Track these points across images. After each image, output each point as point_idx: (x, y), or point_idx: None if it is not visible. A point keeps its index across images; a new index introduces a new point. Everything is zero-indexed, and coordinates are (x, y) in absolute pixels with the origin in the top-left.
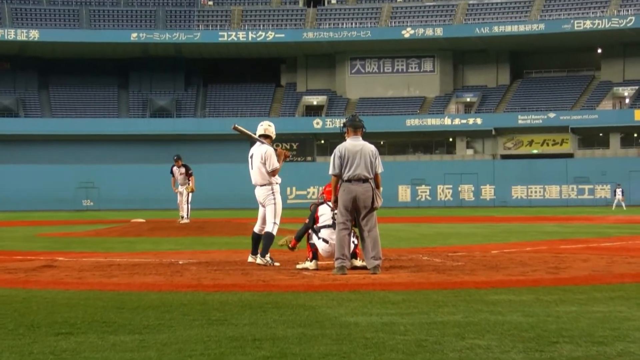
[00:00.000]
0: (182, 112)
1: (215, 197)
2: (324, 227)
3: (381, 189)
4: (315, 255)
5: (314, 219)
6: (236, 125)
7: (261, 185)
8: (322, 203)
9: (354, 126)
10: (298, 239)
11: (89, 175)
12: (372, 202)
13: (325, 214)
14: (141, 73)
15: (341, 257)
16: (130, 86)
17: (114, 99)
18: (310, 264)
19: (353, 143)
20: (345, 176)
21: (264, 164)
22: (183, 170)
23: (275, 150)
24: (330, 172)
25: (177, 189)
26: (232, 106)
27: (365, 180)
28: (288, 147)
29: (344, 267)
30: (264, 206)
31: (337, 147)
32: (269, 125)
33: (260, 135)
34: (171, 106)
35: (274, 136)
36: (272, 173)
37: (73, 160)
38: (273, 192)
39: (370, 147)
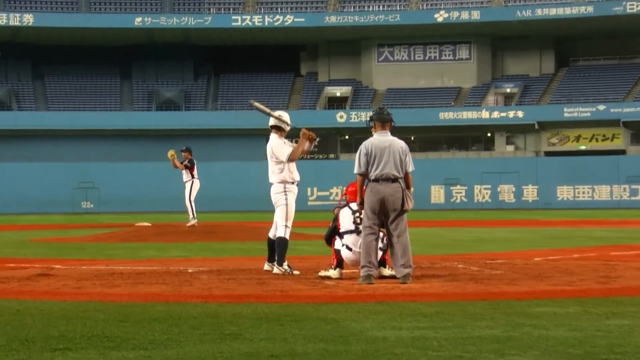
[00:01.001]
0: (191, 105)
1: (227, 199)
2: (347, 232)
3: (412, 189)
4: (340, 262)
5: (335, 223)
6: (254, 102)
7: (274, 184)
8: (345, 205)
9: (382, 120)
10: (327, 241)
11: (88, 175)
12: (402, 204)
13: (346, 218)
14: (146, 62)
15: (367, 265)
16: (133, 76)
17: (116, 90)
18: (333, 272)
19: (380, 138)
20: (372, 175)
21: (274, 158)
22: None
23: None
24: (355, 170)
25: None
26: (246, 98)
27: (395, 179)
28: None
29: (370, 275)
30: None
31: (363, 143)
32: (280, 116)
33: (271, 127)
34: (179, 98)
35: (285, 126)
36: (290, 159)
37: (71, 157)
38: (285, 192)
39: (400, 143)
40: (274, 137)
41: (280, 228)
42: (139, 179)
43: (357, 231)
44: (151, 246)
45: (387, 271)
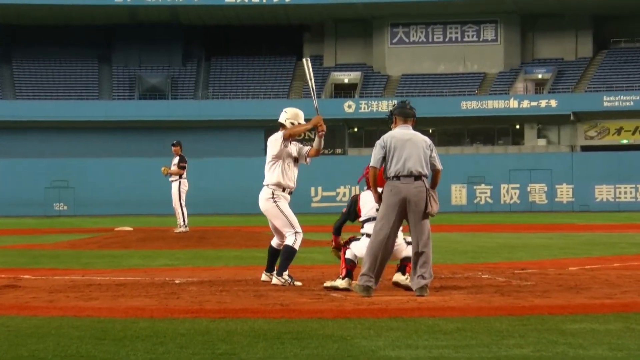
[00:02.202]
0: (179, 93)
1: (221, 199)
2: (368, 220)
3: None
4: (349, 273)
5: (356, 211)
6: (307, 63)
7: (263, 186)
8: (367, 189)
9: (404, 115)
10: (336, 232)
11: (62, 172)
12: (426, 207)
13: (368, 202)
14: (128, 44)
15: (367, 274)
16: (114, 60)
17: (94, 76)
18: (341, 282)
19: (401, 131)
20: (392, 171)
21: (270, 153)
22: (177, 160)
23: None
24: (372, 163)
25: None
26: (242, 85)
27: (418, 177)
28: (312, 135)
29: (369, 287)
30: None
31: (381, 137)
32: (284, 112)
33: (281, 125)
34: (165, 85)
35: (286, 124)
36: (287, 133)
37: (42, 153)
38: (274, 198)
39: (424, 138)
40: (279, 133)
41: (289, 236)
42: (120, 177)
43: None
44: (134, 254)
45: (402, 278)
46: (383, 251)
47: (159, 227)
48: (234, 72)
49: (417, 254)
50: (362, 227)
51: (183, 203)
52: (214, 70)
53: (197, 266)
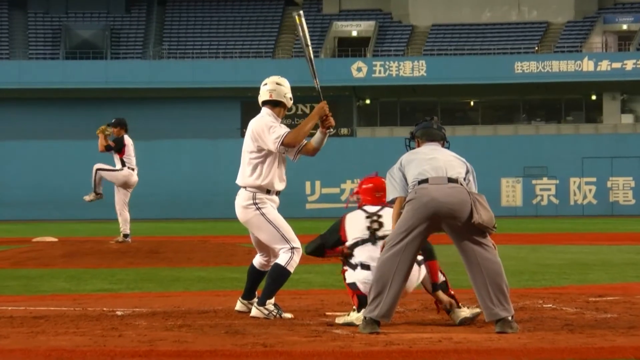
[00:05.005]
0: (121, 51)
1: (179, 199)
2: (357, 244)
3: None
4: (364, 301)
5: (338, 235)
6: (300, 18)
7: (241, 190)
8: (357, 209)
9: (430, 137)
10: (312, 253)
11: None
12: (471, 215)
13: (356, 223)
14: None
15: (374, 303)
16: (30, 5)
17: (3, 27)
18: (357, 316)
19: (426, 149)
20: (416, 177)
21: (255, 144)
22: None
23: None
24: (390, 196)
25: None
26: (209, 40)
27: (452, 179)
28: (307, 110)
29: (373, 321)
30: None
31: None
32: (277, 84)
33: (263, 103)
34: (102, 40)
35: (285, 100)
36: (287, 142)
37: None
38: (256, 204)
39: (460, 157)
40: (263, 114)
41: (283, 254)
42: (42, 167)
43: (373, 239)
44: (59, 274)
45: (465, 312)
46: (398, 271)
47: (93, 237)
48: (198, 22)
49: (478, 276)
50: (353, 253)
51: (126, 202)
52: (169, 19)
53: (147, 291)
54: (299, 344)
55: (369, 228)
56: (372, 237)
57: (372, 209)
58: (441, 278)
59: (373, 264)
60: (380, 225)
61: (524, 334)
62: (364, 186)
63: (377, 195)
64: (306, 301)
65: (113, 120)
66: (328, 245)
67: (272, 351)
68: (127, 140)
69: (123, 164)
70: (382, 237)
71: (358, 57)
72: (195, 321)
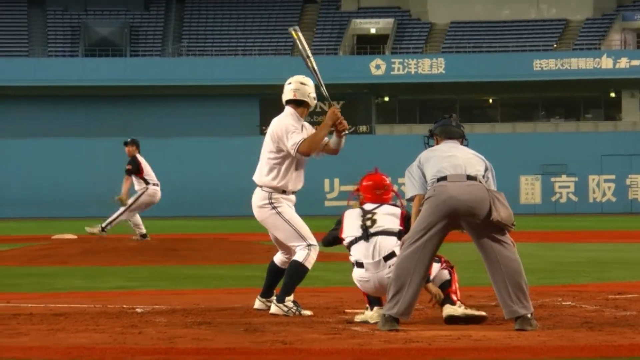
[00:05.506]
0: (139, 48)
1: (197, 197)
2: (352, 242)
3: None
4: (375, 300)
5: (337, 230)
6: (296, 32)
7: (257, 189)
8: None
9: (449, 134)
10: (326, 243)
11: None
12: (490, 213)
13: (352, 221)
14: None
15: (393, 301)
16: (49, 2)
17: (22, 25)
18: (371, 315)
19: (445, 147)
20: (435, 174)
21: (274, 144)
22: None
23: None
24: (409, 194)
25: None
26: (228, 37)
27: (471, 177)
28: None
29: (392, 320)
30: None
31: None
32: (301, 83)
33: (287, 102)
34: (121, 38)
35: (309, 100)
36: (303, 149)
37: None
38: (272, 203)
39: (479, 155)
40: (286, 113)
41: (300, 251)
42: (58, 164)
43: (365, 236)
44: (77, 272)
45: (455, 309)
46: (416, 268)
47: (111, 234)
48: (217, 19)
49: (497, 275)
50: (350, 254)
51: (136, 207)
52: (189, 16)
53: (165, 289)
54: (318, 342)
55: (362, 225)
56: (365, 234)
57: (369, 206)
58: (445, 276)
59: (366, 261)
60: (373, 222)
61: (543, 331)
62: (364, 183)
63: (377, 192)
64: (325, 298)
65: (129, 140)
66: (329, 241)
67: (291, 349)
68: (140, 158)
69: (146, 182)
70: (375, 234)
71: (377, 54)
72: (214, 319)
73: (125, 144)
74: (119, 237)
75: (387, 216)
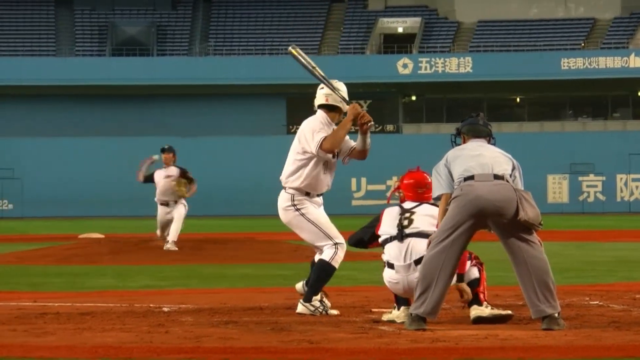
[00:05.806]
0: (167, 48)
1: (225, 196)
2: (387, 240)
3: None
4: (402, 300)
5: (373, 227)
6: (297, 49)
7: (282, 190)
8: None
9: (475, 132)
10: (354, 244)
11: (5, 158)
12: (517, 212)
13: (390, 218)
14: None
15: (420, 300)
16: (77, 2)
17: (50, 25)
18: (398, 314)
19: (472, 145)
20: (461, 173)
21: (300, 146)
22: (175, 172)
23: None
24: (435, 193)
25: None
26: (255, 37)
27: (498, 176)
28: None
29: (419, 317)
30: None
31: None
32: (321, 88)
33: (319, 107)
34: (148, 37)
35: (341, 105)
36: (325, 147)
37: None
38: (295, 205)
39: (506, 153)
40: (317, 116)
41: (327, 249)
42: (85, 164)
43: (400, 237)
44: (104, 271)
45: (483, 309)
46: (443, 267)
47: (139, 234)
48: (244, 18)
49: (525, 274)
50: (384, 250)
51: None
52: (215, 16)
53: (192, 288)
54: (344, 341)
55: (398, 224)
56: (400, 234)
57: (408, 205)
58: (475, 274)
59: (397, 263)
60: (410, 222)
61: (570, 331)
62: (405, 181)
63: (419, 191)
64: (352, 298)
65: (166, 146)
66: (366, 239)
67: (318, 348)
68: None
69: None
70: (410, 235)
71: (404, 53)
72: (240, 318)
73: (163, 150)
74: (147, 237)
75: (425, 217)
